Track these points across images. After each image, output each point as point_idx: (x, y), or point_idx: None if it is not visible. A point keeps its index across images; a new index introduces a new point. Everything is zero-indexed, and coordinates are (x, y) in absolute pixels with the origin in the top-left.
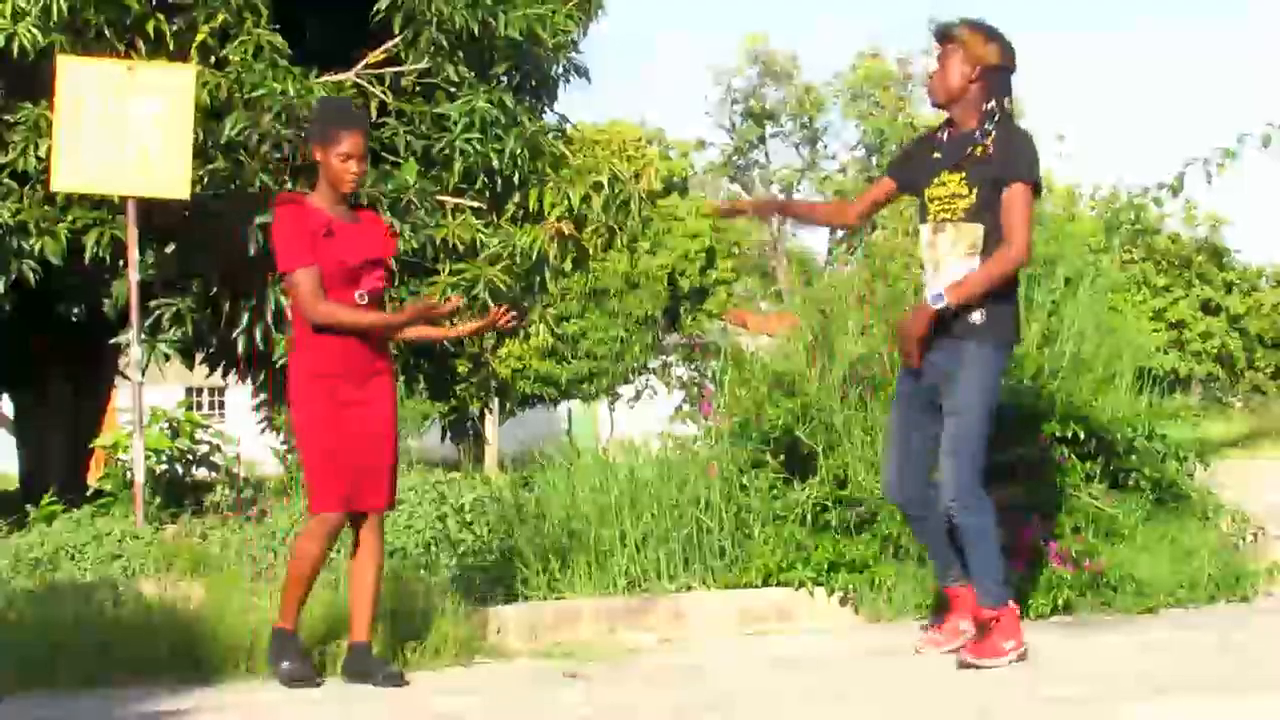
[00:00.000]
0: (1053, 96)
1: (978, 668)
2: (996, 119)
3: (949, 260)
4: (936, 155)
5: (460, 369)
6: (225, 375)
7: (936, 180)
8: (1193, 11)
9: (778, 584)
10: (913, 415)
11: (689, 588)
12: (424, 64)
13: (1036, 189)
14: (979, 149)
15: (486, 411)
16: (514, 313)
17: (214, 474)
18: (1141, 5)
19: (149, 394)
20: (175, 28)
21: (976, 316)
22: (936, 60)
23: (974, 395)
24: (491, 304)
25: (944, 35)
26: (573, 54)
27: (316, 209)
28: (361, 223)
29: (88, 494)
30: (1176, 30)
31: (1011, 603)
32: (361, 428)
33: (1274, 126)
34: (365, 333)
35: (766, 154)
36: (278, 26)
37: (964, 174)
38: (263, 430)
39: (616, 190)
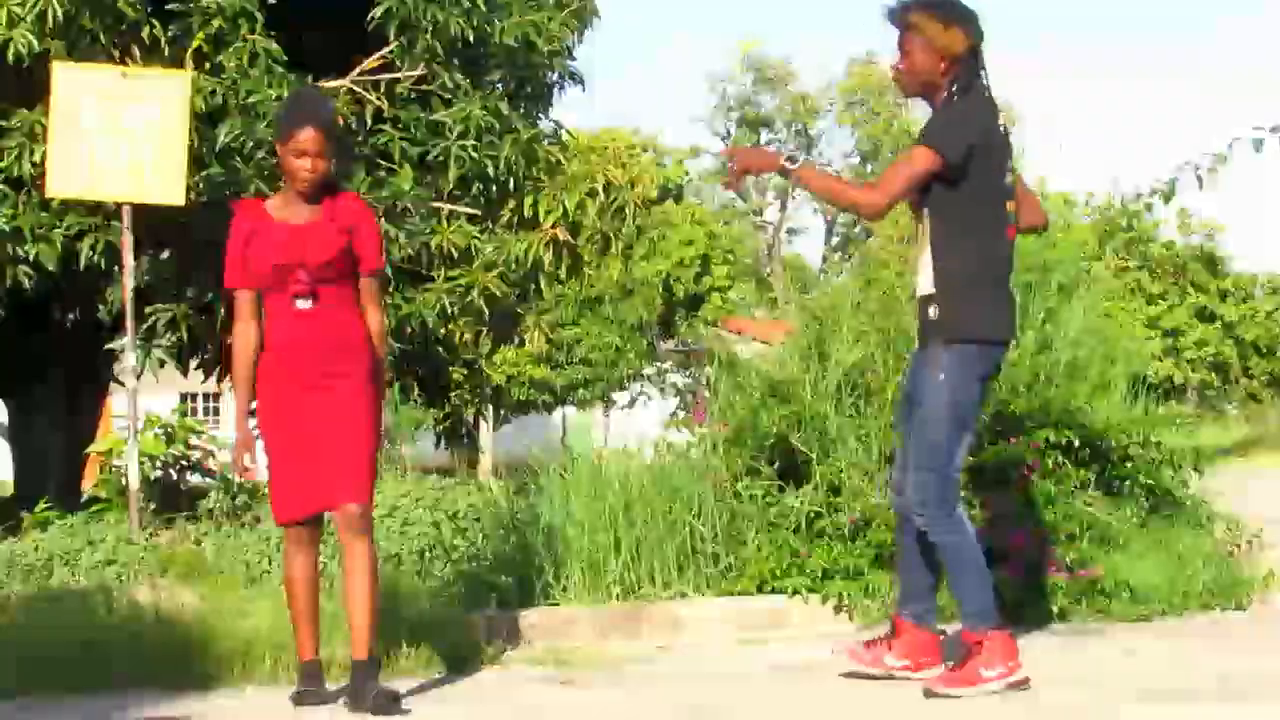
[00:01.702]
0: (1053, 100)
1: (941, 696)
2: (952, 102)
3: (917, 257)
4: None
5: (455, 375)
6: (220, 381)
7: None
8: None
9: (772, 591)
10: (908, 419)
11: (683, 595)
12: (419, 71)
13: (938, 151)
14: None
15: (481, 418)
16: None
17: (209, 480)
18: (1144, 9)
19: (144, 400)
20: (170, 34)
21: (932, 312)
22: (899, 48)
23: (935, 402)
24: (486, 310)
25: (900, 22)
26: (568, 61)
27: (254, 212)
28: (316, 221)
29: (82, 499)
30: (1178, 33)
31: (997, 629)
32: (322, 430)
33: (1264, 130)
34: (314, 340)
35: None
36: (273, 33)
37: None
38: (257, 436)
39: (611, 197)
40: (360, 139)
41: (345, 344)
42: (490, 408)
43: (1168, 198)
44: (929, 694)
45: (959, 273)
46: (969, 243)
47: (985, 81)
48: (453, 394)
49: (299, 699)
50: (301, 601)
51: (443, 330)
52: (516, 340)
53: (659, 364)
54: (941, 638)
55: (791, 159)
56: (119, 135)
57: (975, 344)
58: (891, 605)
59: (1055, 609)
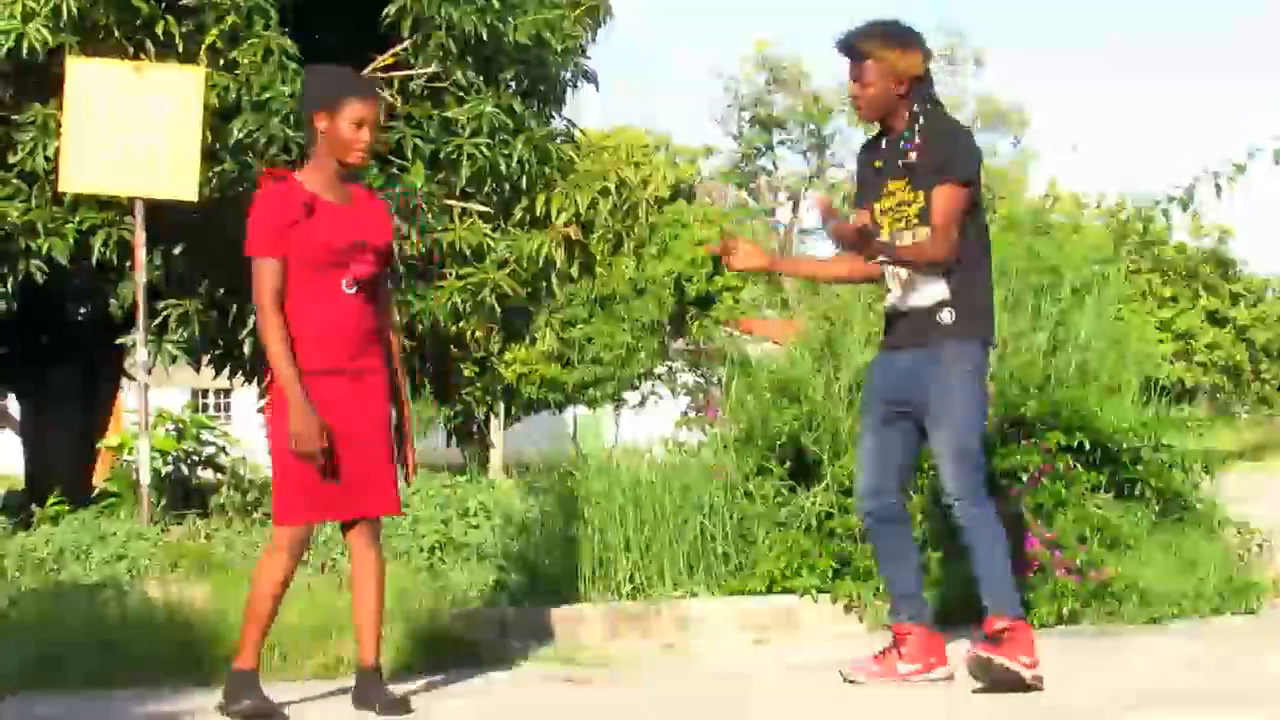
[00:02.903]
0: (1061, 104)
1: (1002, 672)
2: (921, 119)
3: (914, 272)
4: (878, 165)
5: (466, 373)
6: (231, 377)
7: (885, 191)
8: (1205, 21)
9: (782, 591)
10: (884, 422)
11: (693, 594)
12: (433, 68)
13: (968, 183)
14: (910, 153)
15: (492, 416)
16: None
17: (219, 475)
18: (1151, 16)
19: (155, 395)
20: (184, 30)
21: (945, 316)
22: (852, 76)
23: (961, 394)
24: (498, 308)
25: (854, 52)
26: (581, 59)
27: (299, 187)
28: (354, 203)
29: (93, 494)
30: (1187, 40)
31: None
32: (353, 427)
33: None
34: (353, 327)
35: (774, 161)
36: (286, 29)
37: (906, 179)
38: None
39: (624, 196)
40: None
41: (375, 334)
42: (501, 406)
43: (1185, 205)
44: (986, 665)
45: (977, 278)
46: (979, 249)
47: (937, 100)
48: (464, 392)
49: (251, 714)
50: (272, 607)
51: (454, 328)
52: (528, 339)
53: (670, 363)
54: (945, 636)
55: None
56: (133, 130)
57: (989, 344)
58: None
59: (1065, 611)
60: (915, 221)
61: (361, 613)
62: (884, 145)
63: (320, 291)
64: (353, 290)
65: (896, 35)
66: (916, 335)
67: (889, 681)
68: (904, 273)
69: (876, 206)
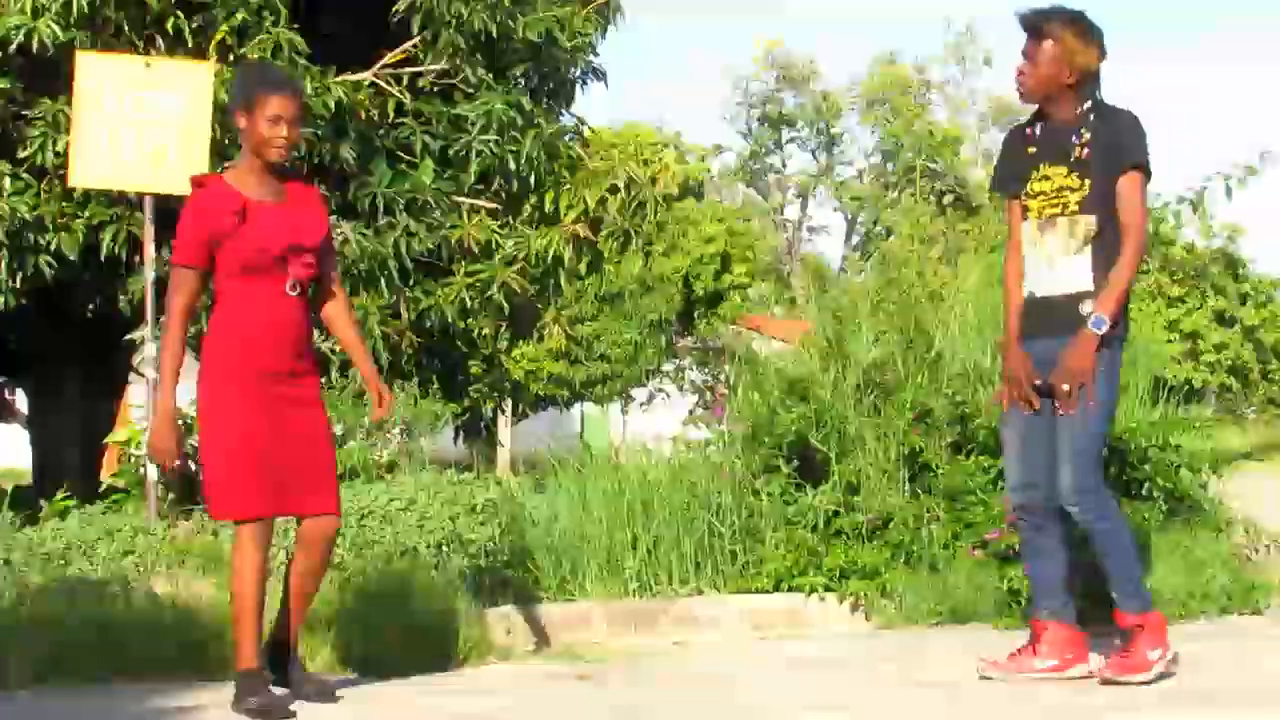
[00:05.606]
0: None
1: (1120, 684)
2: (1093, 116)
3: (1060, 258)
4: (1032, 150)
5: (474, 370)
6: None
7: (1037, 174)
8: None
9: (789, 589)
10: (1033, 415)
11: (700, 592)
12: (442, 65)
13: (1147, 171)
14: (1080, 146)
15: (499, 413)
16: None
17: None
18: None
19: None
20: (194, 25)
21: (1087, 307)
22: (1025, 53)
23: (1099, 394)
24: (506, 305)
25: (1036, 29)
26: (591, 57)
27: (230, 191)
28: (288, 202)
29: (100, 490)
30: (1197, 44)
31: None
32: (296, 427)
33: None
34: (295, 328)
35: (783, 159)
36: (296, 25)
37: (1068, 167)
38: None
39: (632, 193)
40: (382, 132)
41: (310, 335)
42: (509, 403)
43: (1196, 207)
44: (1107, 683)
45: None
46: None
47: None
48: (472, 389)
49: (263, 710)
50: (255, 604)
51: (462, 325)
52: (536, 335)
53: (677, 361)
54: (1086, 634)
55: (1098, 323)
56: (142, 125)
57: (1124, 339)
58: (911, 604)
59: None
60: (1076, 209)
61: (304, 603)
62: (1039, 131)
63: (262, 294)
64: (295, 293)
65: (1080, 24)
66: (1055, 324)
67: (1021, 678)
68: (1048, 253)
69: (1024, 191)
